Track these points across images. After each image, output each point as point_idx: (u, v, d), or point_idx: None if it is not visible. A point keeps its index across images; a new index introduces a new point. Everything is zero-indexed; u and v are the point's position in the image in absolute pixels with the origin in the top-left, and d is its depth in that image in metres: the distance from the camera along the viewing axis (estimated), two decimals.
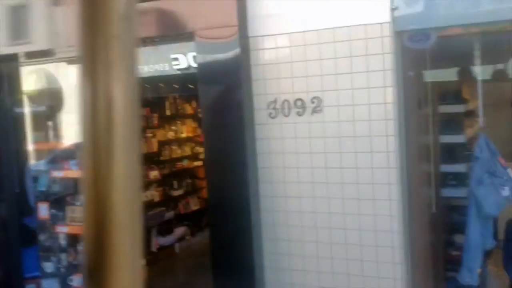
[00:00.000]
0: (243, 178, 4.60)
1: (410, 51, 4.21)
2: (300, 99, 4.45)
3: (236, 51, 4.49)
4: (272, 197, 4.66)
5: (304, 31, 4.36)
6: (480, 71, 4.45)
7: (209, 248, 8.45)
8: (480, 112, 4.40)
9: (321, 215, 4.48)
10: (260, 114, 4.62)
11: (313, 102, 4.40)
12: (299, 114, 4.46)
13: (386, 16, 4.07)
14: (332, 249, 4.47)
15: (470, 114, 5.80)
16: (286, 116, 4.52)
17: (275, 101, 4.54)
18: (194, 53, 4.80)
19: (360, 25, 4.15)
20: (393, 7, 4.05)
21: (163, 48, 5.12)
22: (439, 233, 5.30)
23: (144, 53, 5.16)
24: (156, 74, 5.13)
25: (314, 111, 4.40)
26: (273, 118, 4.57)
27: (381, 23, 4.08)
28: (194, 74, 4.93)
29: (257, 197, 4.68)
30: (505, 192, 4.28)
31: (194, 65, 4.83)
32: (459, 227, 5.52)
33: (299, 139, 4.49)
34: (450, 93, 5.23)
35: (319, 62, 4.34)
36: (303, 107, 4.44)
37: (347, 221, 4.38)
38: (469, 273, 4.48)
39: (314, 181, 4.48)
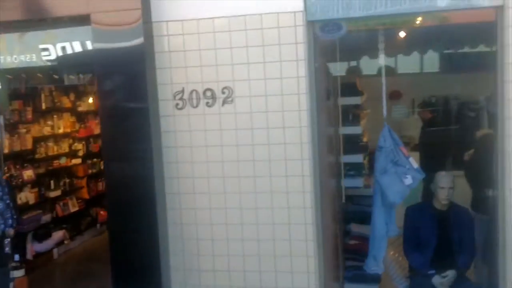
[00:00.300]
0: (147, 174, 4.27)
1: (321, 42, 4.18)
2: (209, 89, 4.22)
3: (139, 37, 4.13)
4: (179, 194, 4.38)
5: (213, 17, 4.14)
6: (379, 65, 4.56)
7: (90, 252, 8.04)
8: (384, 103, 4.50)
9: (233, 211, 4.30)
10: (166, 105, 4.31)
11: (223, 93, 4.19)
12: (208, 105, 4.23)
13: (299, 5, 3.99)
14: (244, 246, 4.31)
15: (359, 106, 6.00)
16: (194, 107, 4.26)
17: (182, 91, 4.27)
18: (83, 40, 4.43)
19: (272, 13, 4.03)
20: None
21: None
22: (340, 223, 5.38)
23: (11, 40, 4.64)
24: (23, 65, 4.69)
25: (225, 101, 4.20)
26: (180, 109, 4.29)
27: (294, 12, 4.00)
28: (79, 62, 4.52)
29: (162, 194, 4.37)
30: (408, 180, 4.42)
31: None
32: (357, 217, 5.69)
33: (209, 132, 4.26)
34: (348, 86, 5.33)
35: (229, 51, 4.14)
36: (213, 97, 4.22)
37: (260, 215, 4.25)
38: (375, 261, 4.57)
39: (224, 176, 4.28)
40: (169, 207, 4.40)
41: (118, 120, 4.25)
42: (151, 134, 4.23)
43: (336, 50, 4.47)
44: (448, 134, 7.81)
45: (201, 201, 4.34)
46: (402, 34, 4.94)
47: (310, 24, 4.05)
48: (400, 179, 4.44)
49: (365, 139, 6.13)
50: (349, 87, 5.52)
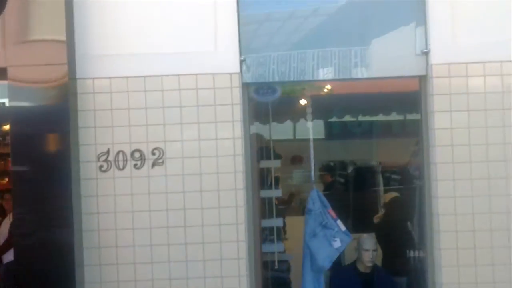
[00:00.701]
0: (64, 242, 3.81)
1: (255, 103, 4.16)
2: (138, 150, 3.96)
3: (63, 94, 3.80)
4: (100, 266, 3.96)
5: (145, 76, 3.96)
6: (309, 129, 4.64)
7: None
8: (312, 167, 4.54)
9: (161, 282, 3.96)
10: (88, 167, 3.95)
11: (153, 154, 3.96)
12: (136, 167, 3.96)
13: (235, 67, 3.96)
14: None
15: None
16: (120, 169, 3.96)
17: (107, 152, 3.96)
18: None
19: (208, 74, 3.95)
20: (242, 58, 3.97)
21: None
22: None
23: None
24: None
25: (155, 163, 3.96)
26: (104, 171, 3.96)
27: (230, 74, 3.95)
28: None
29: (81, 266, 3.92)
30: (337, 243, 4.43)
31: None
32: (274, 283, 5.55)
33: (136, 196, 3.96)
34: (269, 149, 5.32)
35: (161, 110, 3.96)
36: (142, 159, 3.96)
37: (191, 286, 3.96)
38: None
39: (152, 244, 3.96)
40: (88, 281, 3.95)
41: (35, 184, 3.79)
42: (70, 199, 3.82)
43: (268, 112, 4.47)
44: (347, 196, 8.10)
45: (125, 273, 3.95)
46: (330, 100, 5.12)
47: (245, 86, 4.03)
48: (329, 242, 4.44)
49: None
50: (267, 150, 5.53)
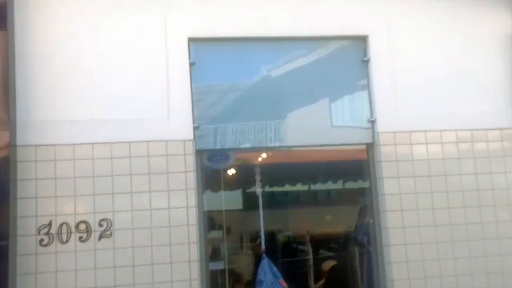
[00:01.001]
0: None
1: (208, 171, 4.07)
2: (84, 222, 3.70)
3: (3, 162, 3.51)
4: None
5: (92, 143, 3.76)
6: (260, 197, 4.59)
7: None
8: (262, 237, 4.45)
9: None
10: (26, 242, 3.61)
11: (101, 225, 3.71)
12: (82, 240, 3.68)
13: (189, 134, 3.88)
14: None
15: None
16: (63, 243, 3.66)
17: (49, 225, 3.65)
18: None
19: (160, 141, 3.83)
20: (195, 125, 3.91)
21: None
22: None
23: None
24: None
25: (102, 236, 3.70)
26: (45, 246, 3.63)
27: (183, 141, 3.86)
28: None
29: None
30: None
31: None
32: None
33: (81, 272, 3.64)
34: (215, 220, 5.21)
35: (110, 179, 3.75)
36: (88, 231, 3.69)
37: None
38: None
39: None
40: None
41: None
42: (8, 278, 3.45)
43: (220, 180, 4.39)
44: (282, 266, 7.99)
45: None
46: (275, 168, 5.13)
47: (199, 153, 3.94)
48: None
49: None
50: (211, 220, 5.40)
